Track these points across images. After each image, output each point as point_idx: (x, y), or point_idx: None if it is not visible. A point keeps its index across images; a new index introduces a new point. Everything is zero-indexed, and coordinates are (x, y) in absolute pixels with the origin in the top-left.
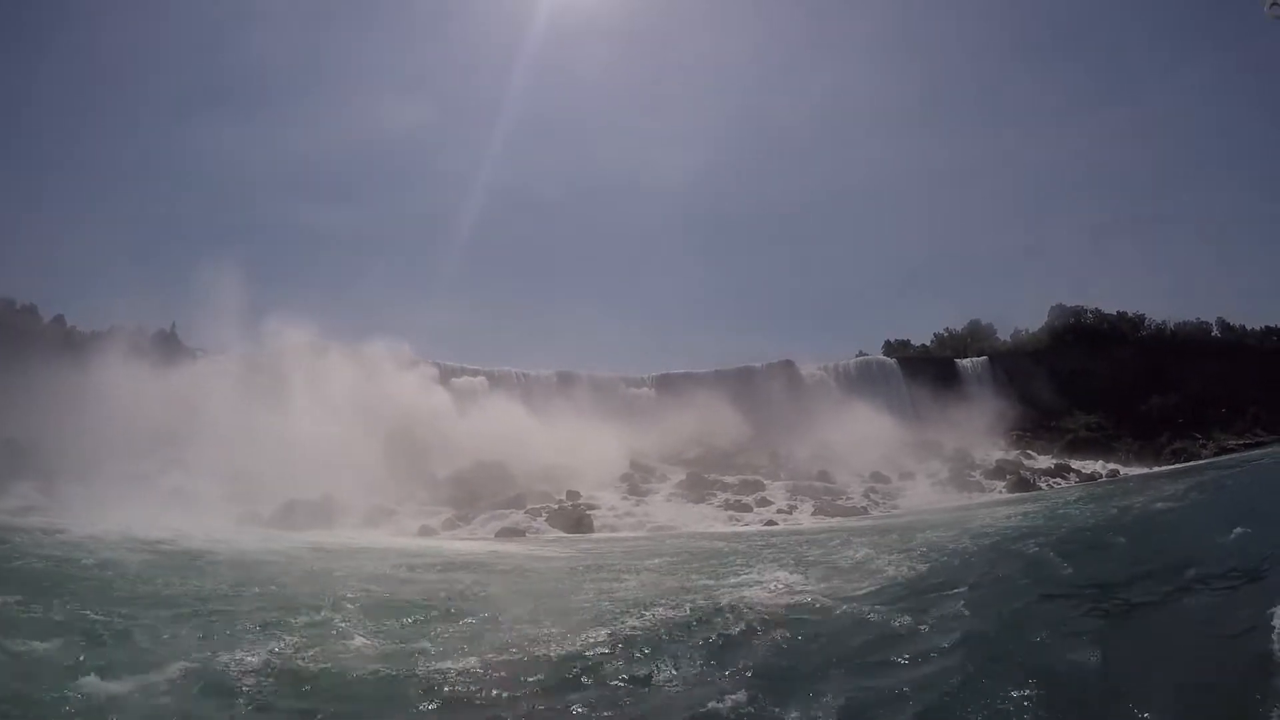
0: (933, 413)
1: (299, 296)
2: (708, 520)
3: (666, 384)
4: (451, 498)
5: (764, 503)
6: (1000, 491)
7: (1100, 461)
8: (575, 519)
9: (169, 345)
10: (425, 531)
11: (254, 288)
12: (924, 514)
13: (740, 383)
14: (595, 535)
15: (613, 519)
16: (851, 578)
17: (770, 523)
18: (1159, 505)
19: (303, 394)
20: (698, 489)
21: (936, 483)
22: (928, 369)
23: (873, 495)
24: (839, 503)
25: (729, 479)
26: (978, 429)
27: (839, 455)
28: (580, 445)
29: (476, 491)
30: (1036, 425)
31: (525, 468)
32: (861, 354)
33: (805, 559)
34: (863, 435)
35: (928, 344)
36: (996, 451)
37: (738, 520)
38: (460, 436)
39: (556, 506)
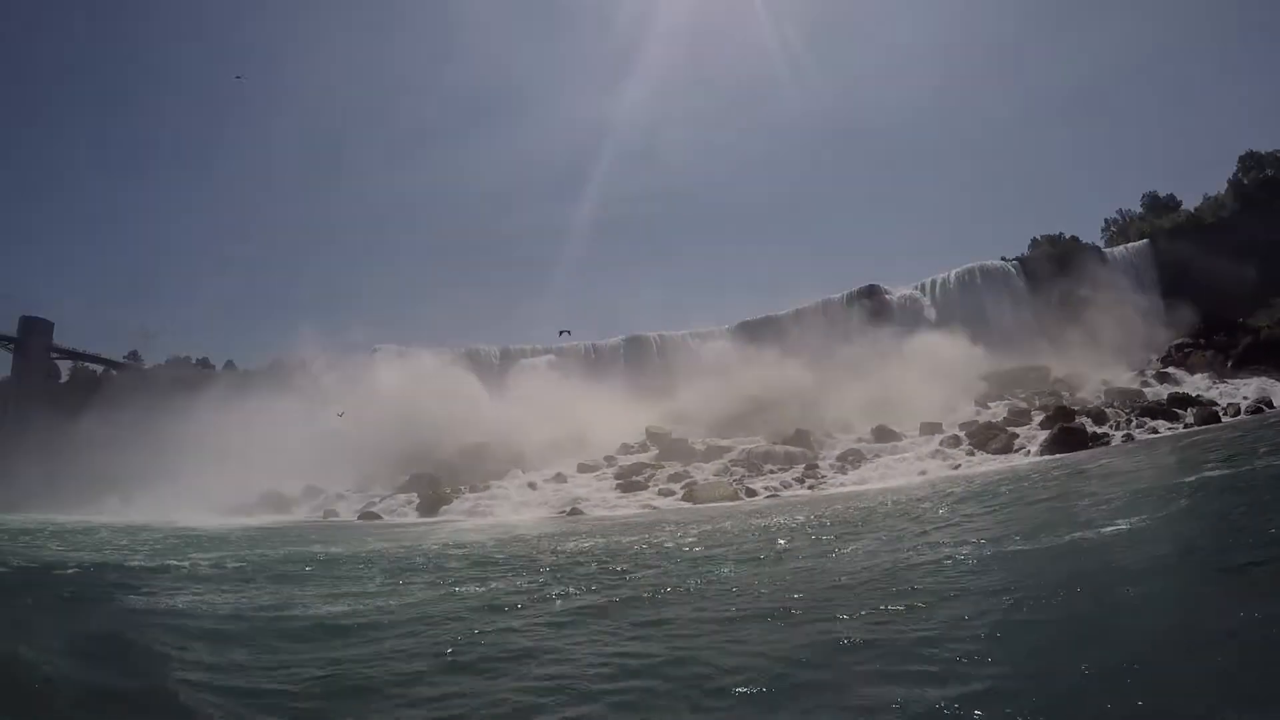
0: (1060, 328)
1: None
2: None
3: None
4: (436, 480)
5: (809, 473)
6: (1028, 453)
7: (1262, 379)
8: (565, 500)
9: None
10: (366, 515)
11: (276, 290)
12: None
13: (814, 319)
14: (587, 516)
15: (609, 497)
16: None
17: (773, 494)
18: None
19: (312, 398)
20: (716, 462)
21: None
22: (1061, 267)
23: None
24: (826, 477)
25: (761, 446)
26: (1115, 344)
27: (902, 403)
28: (596, 419)
29: (466, 473)
30: (1213, 329)
31: (529, 444)
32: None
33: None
34: (939, 372)
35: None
36: (1125, 377)
37: (745, 494)
38: (466, 421)
39: (532, 488)
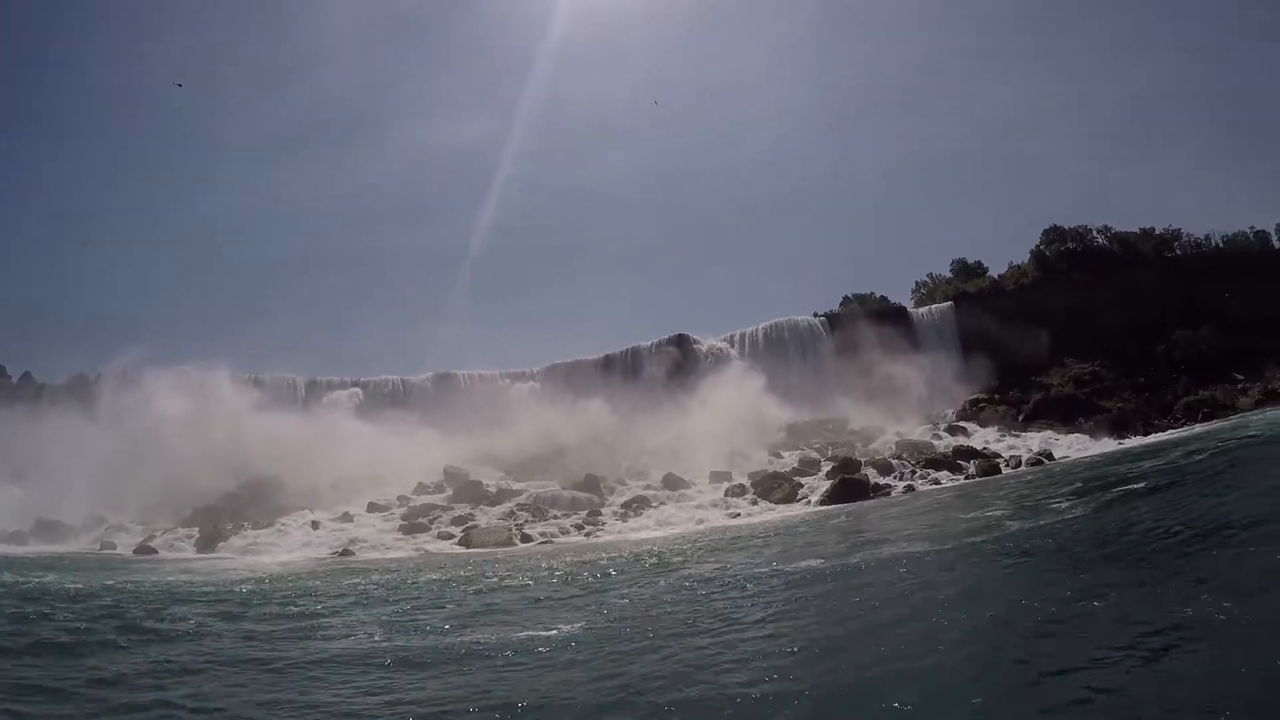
0: (863, 383)
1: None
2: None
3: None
4: (220, 514)
5: (590, 519)
6: (809, 503)
7: (1048, 433)
8: (343, 541)
9: None
10: (142, 549)
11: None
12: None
13: (621, 366)
14: (356, 558)
15: (388, 539)
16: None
17: (547, 540)
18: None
19: (108, 421)
20: (503, 505)
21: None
22: (868, 325)
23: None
24: (605, 523)
25: (549, 490)
26: (915, 398)
27: (697, 451)
28: (398, 457)
29: (256, 509)
30: (1007, 386)
31: (324, 481)
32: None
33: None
34: (738, 422)
35: (905, 302)
36: (919, 430)
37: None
38: (259, 455)
39: (315, 527)
